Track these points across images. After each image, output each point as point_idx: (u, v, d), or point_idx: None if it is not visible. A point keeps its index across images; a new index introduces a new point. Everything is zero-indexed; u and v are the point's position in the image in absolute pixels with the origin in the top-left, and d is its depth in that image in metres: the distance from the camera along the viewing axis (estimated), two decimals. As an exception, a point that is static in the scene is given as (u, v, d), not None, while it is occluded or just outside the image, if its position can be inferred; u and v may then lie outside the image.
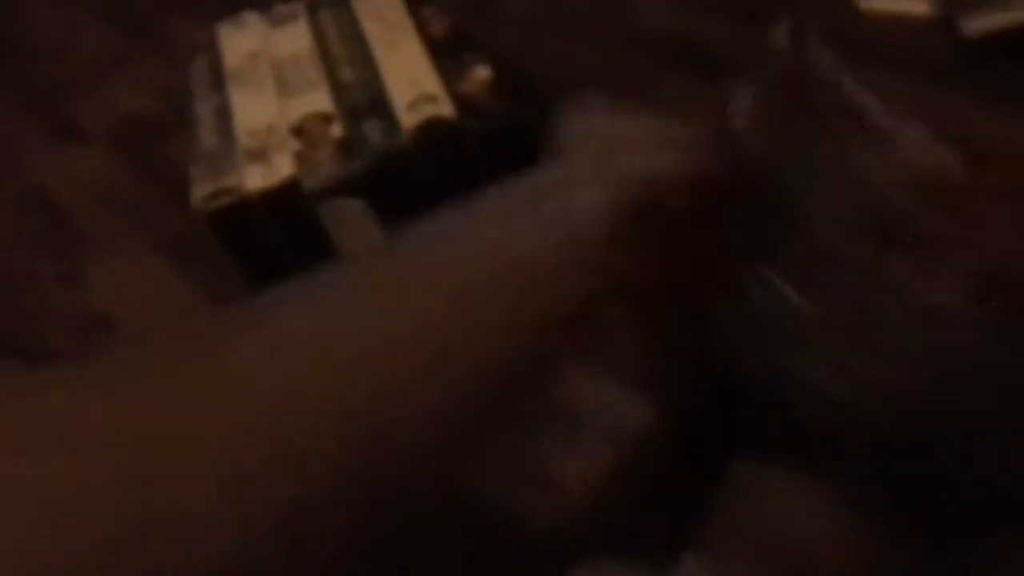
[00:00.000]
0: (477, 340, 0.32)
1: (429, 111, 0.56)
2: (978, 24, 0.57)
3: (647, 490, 0.47)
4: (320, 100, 0.59)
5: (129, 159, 0.79)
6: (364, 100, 0.59)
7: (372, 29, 0.63)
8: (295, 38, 0.64)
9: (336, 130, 0.57)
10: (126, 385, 0.27)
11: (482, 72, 0.57)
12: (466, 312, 0.32)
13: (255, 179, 0.56)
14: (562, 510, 0.47)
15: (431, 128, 0.56)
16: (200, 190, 0.56)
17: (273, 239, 0.58)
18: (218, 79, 0.63)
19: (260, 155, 0.57)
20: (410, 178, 0.57)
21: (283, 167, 0.56)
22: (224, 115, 0.60)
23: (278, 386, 0.28)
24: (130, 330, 0.69)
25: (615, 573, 0.40)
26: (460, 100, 0.56)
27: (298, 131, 0.58)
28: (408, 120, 0.56)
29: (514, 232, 0.37)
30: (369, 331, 0.31)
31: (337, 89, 0.60)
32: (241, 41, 0.65)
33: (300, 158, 0.57)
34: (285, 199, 0.56)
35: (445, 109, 0.56)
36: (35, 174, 0.81)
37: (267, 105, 0.60)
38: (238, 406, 0.27)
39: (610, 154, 0.39)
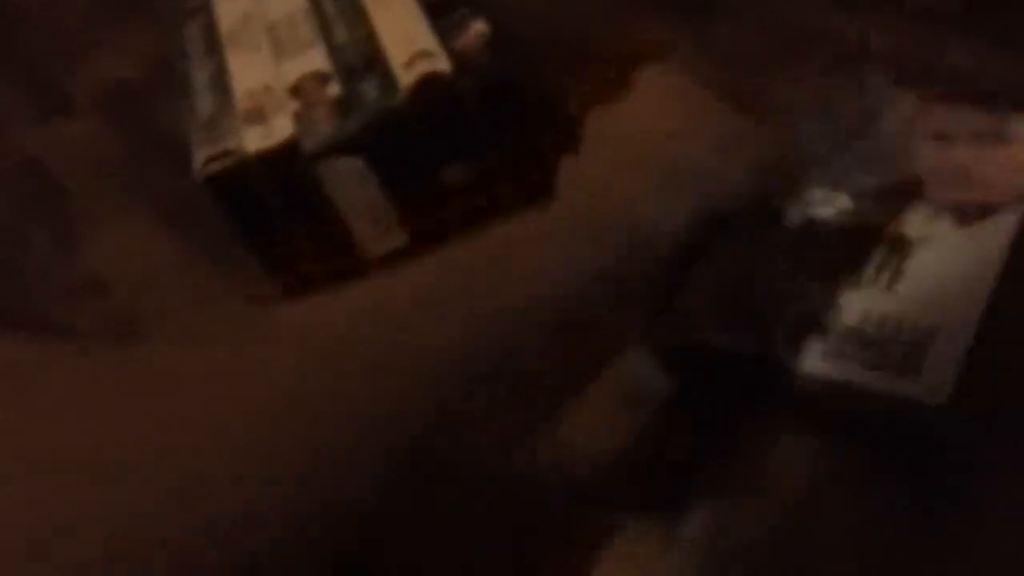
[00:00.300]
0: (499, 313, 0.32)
1: (426, 67, 0.56)
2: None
3: (658, 449, 0.48)
4: (316, 60, 0.59)
5: (120, 128, 0.79)
6: (360, 59, 0.59)
7: (365, -13, 0.63)
8: (288, -1, 0.64)
9: (333, 90, 0.58)
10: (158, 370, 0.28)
11: (479, 27, 0.57)
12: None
13: (254, 140, 0.56)
14: (578, 472, 0.48)
15: (428, 84, 0.56)
16: (201, 154, 0.57)
17: (272, 201, 0.58)
18: (213, 42, 0.63)
19: (259, 116, 0.57)
20: (408, 135, 0.57)
21: (282, 128, 0.56)
22: (221, 78, 0.61)
23: (298, 371, 0.29)
24: (126, 296, 0.69)
25: (626, 529, 0.41)
26: (457, 56, 0.56)
27: (296, 91, 0.58)
28: (405, 77, 0.56)
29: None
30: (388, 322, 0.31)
31: (333, 48, 0.60)
32: (234, 3, 0.65)
33: (298, 118, 0.57)
34: (284, 160, 0.56)
35: (442, 65, 0.56)
36: (24, 146, 0.81)
37: (264, 66, 0.60)
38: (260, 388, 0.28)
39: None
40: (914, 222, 0.48)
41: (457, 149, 0.59)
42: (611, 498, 0.46)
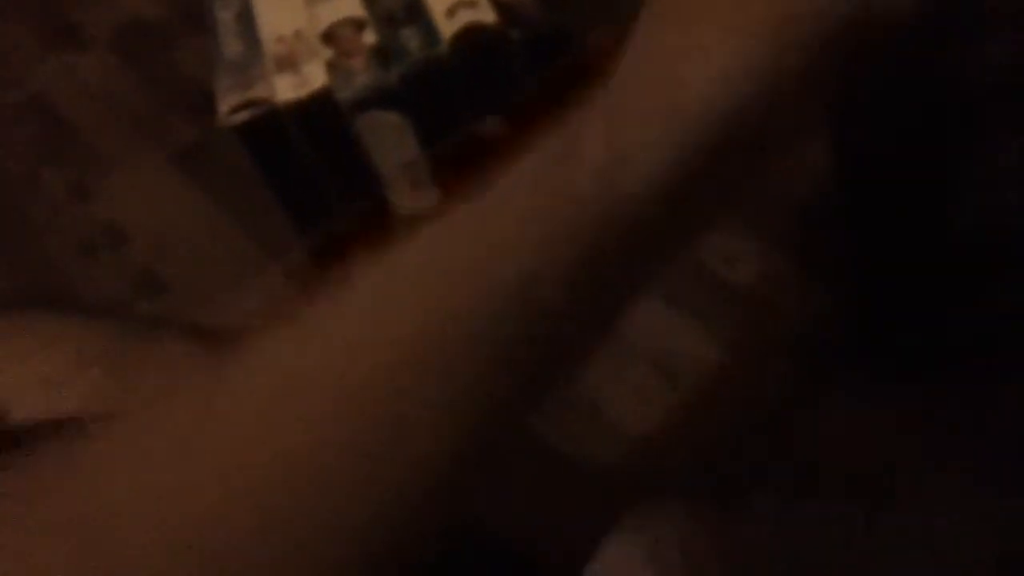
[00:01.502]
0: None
1: (469, 17, 0.52)
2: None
3: (713, 427, 0.46)
4: (351, 5, 0.56)
5: (136, 66, 0.75)
6: (398, 6, 0.55)
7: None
8: (320, -63, 0.60)
9: (369, 37, 0.54)
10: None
11: (525, -25, 0.54)
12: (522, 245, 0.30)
13: (286, 89, 0.53)
14: (620, 450, 0.46)
15: (472, 35, 0.52)
16: (227, 101, 0.53)
17: (304, 153, 0.55)
18: (239, -19, 0.59)
19: (289, 63, 0.54)
20: (450, 88, 0.54)
21: (315, 76, 0.53)
22: (247, 20, 0.57)
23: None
24: (143, 243, 0.67)
25: (678, 513, 0.39)
26: (501, 6, 0.53)
27: (329, 38, 0.55)
28: (447, 27, 0.53)
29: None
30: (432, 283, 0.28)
31: (368, -7, 0.56)
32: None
33: (332, 67, 0.53)
34: (318, 110, 0.53)
35: (486, 15, 0.52)
36: (36, 83, 0.77)
37: (293, 10, 0.56)
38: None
39: None
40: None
41: (497, 102, 0.55)
42: (641, 476, 0.45)
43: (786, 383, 0.47)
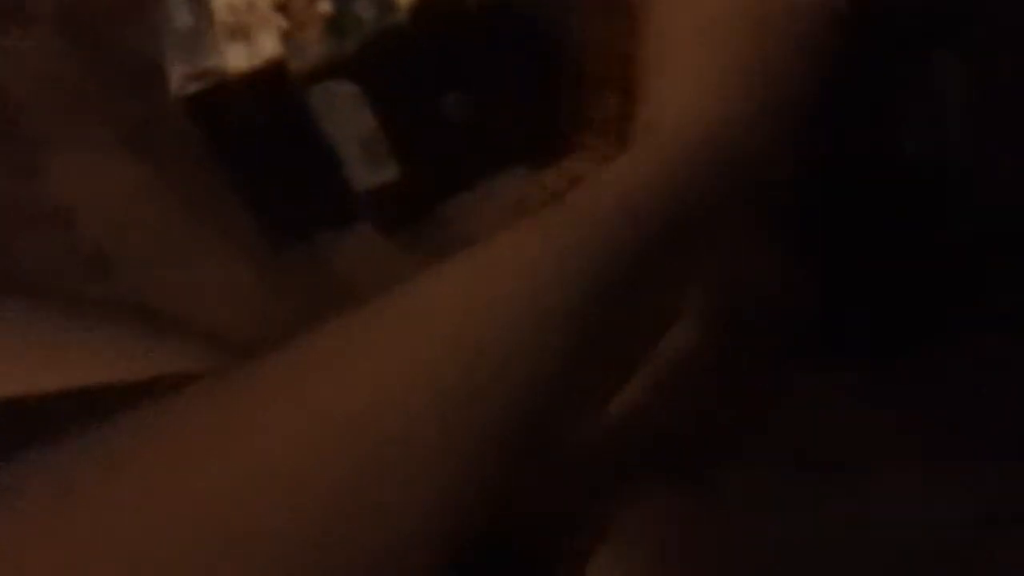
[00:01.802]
0: None
1: (428, -15, 0.51)
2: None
3: (689, 408, 0.45)
4: (305, -27, 0.54)
5: (80, 44, 0.73)
6: (353, -26, 0.54)
7: None
8: (271, -95, 0.58)
9: (324, 7, 0.53)
10: None
11: (486, -57, 0.53)
12: None
13: (237, 59, 0.52)
14: (599, 430, 0.45)
15: (429, 4, 0.51)
16: (178, 72, 0.52)
17: (257, 126, 0.54)
18: (189, -50, 0.57)
19: (242, 34, 0.53)
20: (407, 59, 0.52)
21: (268, 47, 0.52)
22: (198, -10, 0.55)
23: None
24: (93, 224, 0.65)
25: (655, 494, 0.38)
26: (461, -26, 0.52)
27: (282, 8, 0.53)
28: (405, -5, 0.51)
29: None
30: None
31: (322, -39, 0.55)
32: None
33: (286, 37, 0.52)
34: (271, 82, 0.52)
35: (445, -17, 0.51)
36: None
37: (246, -21, 0.55)
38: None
39: None
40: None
41: (459, 78, 0.54)
42: (629, 463, 0.44)
43: (767, 373, 0.46)
